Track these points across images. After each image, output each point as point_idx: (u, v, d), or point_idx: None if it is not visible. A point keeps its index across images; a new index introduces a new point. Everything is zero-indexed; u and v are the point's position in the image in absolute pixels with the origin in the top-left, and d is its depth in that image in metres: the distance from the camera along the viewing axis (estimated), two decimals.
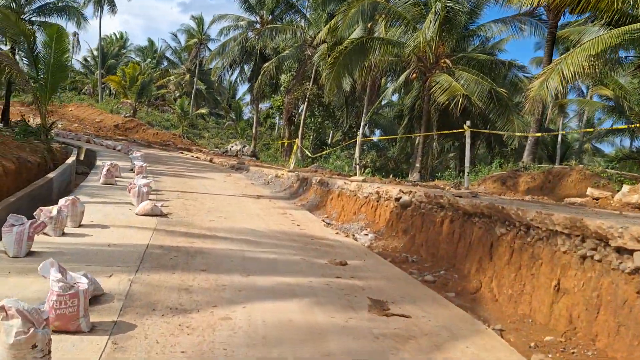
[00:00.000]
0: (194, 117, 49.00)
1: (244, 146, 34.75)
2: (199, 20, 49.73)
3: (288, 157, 31.22)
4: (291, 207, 11.33)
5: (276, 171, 16.28)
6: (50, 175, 11.65)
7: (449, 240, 6.74)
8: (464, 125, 9.67)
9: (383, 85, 27.60)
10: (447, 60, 19.57)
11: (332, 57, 20.39)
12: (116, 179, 11.72)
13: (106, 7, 50.86)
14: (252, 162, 25.47)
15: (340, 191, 10.66)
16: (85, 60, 70.32)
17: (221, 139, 46.62)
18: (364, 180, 10.56)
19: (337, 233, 8.52)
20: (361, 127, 24.97)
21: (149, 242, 6.30)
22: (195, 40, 49.79)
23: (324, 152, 28.28)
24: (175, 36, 54.49)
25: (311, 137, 31.78)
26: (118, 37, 73.24)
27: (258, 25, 32.83)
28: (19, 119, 30.47)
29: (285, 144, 30.28)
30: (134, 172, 13.96)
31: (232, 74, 33.92)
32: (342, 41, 22.12)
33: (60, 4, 28.72)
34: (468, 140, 9.06)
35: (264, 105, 46.04)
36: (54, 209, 6.14)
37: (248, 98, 66.30)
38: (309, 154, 19.04)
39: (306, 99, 28.23)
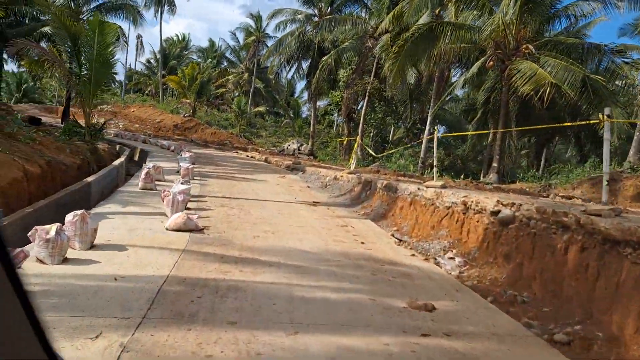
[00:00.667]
0: (251, 116, 48.41)
1: (301, 145, 33.40)
2: (257, 18, 49.04)
3: (347, 156, 29.54)
4: (352, 216, 9.63)
5: (335, 172, 14.63)
6: (89, 179, 10.61)
7: (579, 276, 4.77)
8: (600, 115, 7.50)
9: (450, 78, 25.26)
10: (530, 46, 17.09)
11: (396, 45, 18.46)
12: (157, 182, 10.51)
13: (166, 8, 51.47)
14: (309, 162, 24.01)
15: (413, 199, 8.83)
16: (149, 62, 72.10)
17: (278, 137, 45.65)
18: (443, 186, 8.67)
19: (412, 255, 6.73)
20: (427, 123, 22.81)
21: (170, 272, 4.81)
22: (254, 38, 49.14)
23: (386, 152, 26.35)
24: (234, 35, 54.34)
25: (371, 134, 29.84)
26: (180, 38, 74.72)
27: (316, 19, 31.31)
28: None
29: (345, 142, 28.61)
30: (180, 174, 12.82)
31: (289, 70, 32.69)
32: (408, 29, 20.13)
33: (117, 2, 28.55)
34: (607, 135, 6.91)
35: (322, 103, 44.65)
36: (52, 229, 4.79)
37: (306, 96, 65.44)
38: (372, 153, 17.25)
39: (366, 94, 26.37)
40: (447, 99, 30.66)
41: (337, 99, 30.78)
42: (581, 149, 21.35)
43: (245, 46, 51.65)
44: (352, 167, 13.03)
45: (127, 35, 31.69)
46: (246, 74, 54.14)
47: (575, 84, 14.82)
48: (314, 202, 10.88)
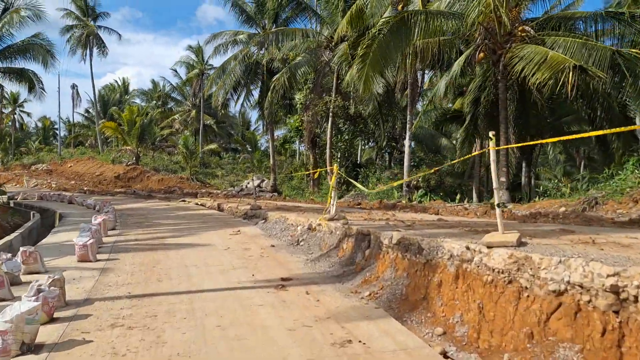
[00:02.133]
0: (204, 155, 43.96)
1: (262, 180, 29.23)
2: (198, 50, 45.17)
3: (317, 187, 25.50)
4: (353, 306, 5.50)
5: (307, 217, 10.52)
6: None
7: None
8: None
9: (422, 83, 21.85)
10: (527, 27, 13.75)
11: (361, 47, 14.79)
12: (30, 273, 6.09)
13: (96, 50, 47.00)
14: (272, 202, 19.81)
15: (464, 270, 4.82)
16: (87, 111, 66.75)
17: (237, 175, 41.33)
18: (521, 243, 4.69)
19: None
20: (407, 137, 19.16)
21: None
22: (196, 71, 45.14)
23: (360, 178, 22.47)
24: (176, 71, 50.00)
25: (339, 158, 26.00)
26: (119, 83, 69.89)
27: (261, 39, 27.64)
28: None
29: (316, 175, 24.66)
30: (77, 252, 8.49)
31: (237, 98, 28.70)
32: (368, 29, 16.60)
33: (22, 44, 24.01)
34: None
35: (280, 132, 40.81)
36: None
37: (262, 126, 61.40)
38: (353, 181, 13.31)
39: (329, 114, 22.63)
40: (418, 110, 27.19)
41: (297, 124, 26.90)
42: (606, 148, 18.01)
43: (188, 81, 47.51)
44: (333, 211, 8.92)
45: (42, 82, 26.90)
46: (193, 111, 49.92)
47: (604, 63, 11.37)
48: (282, 279, 6.70)
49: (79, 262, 8.22)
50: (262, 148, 57.94)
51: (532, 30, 13.62)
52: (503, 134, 14.54)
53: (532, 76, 12.19)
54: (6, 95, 72.14)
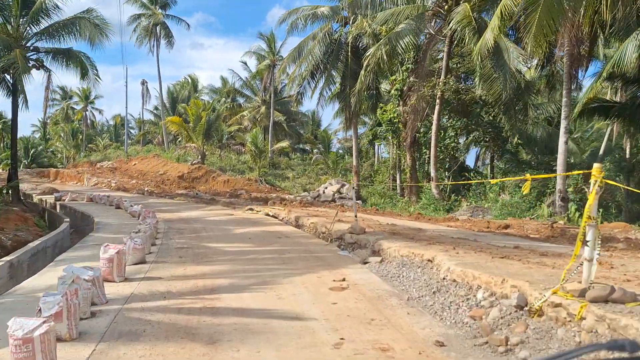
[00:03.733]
0: (273, 155, 39.81)
1: (342, 185, 24.32)
2: (270, 38, 41.08)
3: (413, 195, 20.16)
4: None
5: (493, 274, 5.34)
6: None
7: None
8: None
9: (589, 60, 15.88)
10: None
11: None
12: None
13: (164, 42, 44.31)
14: (371, 221, 14.74)
15: None
16: (156, 108, 65.09)
17: (309, 177, 36.74)
18: None
19: None
20: (563, 128, 13.47)
21: None
22: (267, 62, 41.07)
23: (470, 183, 16.92)
24: (245, 64, 46.34)
25: (446, 161, 20.37)
26: (189, 81, 67.89)
27: (345, 13, 22.75)
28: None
29: (409, 178, 19.40)
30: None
31: (315, 87, 24.00)
32: None
33: (68, 20, 20.56)
34: None
35: (360, 130, 35.72)
36: None
37: (335, 125, 56.33)
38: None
39: (437, 101, 17.29)
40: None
41: (391, 116, 21.67)
42: None
43: (258, 74, 43.55)
44: (588, 272, 3.53)
45: (95, 68, 23.63)
46: (263, 107, 45.98)
47: None
48: None
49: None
50: (334, 149, 53.22)
51: None
52: None
53: None
54: (65, 89, 72.64)
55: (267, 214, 16.00)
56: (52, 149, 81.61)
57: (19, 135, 79.67)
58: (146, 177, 38.04)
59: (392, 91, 20.52)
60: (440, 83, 17.17)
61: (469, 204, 16.06)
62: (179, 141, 53.02)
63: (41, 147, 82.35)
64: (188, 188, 32.22)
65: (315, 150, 57.10)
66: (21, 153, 77.20)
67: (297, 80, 23.07)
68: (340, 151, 49.07)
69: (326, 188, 24.31)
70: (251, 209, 17.27)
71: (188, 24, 44.76)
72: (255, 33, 62.87)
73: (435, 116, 17.68)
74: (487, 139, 19.85)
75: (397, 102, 20.64)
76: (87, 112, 72.49)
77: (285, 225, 13.35)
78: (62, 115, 76.02)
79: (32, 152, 79.33)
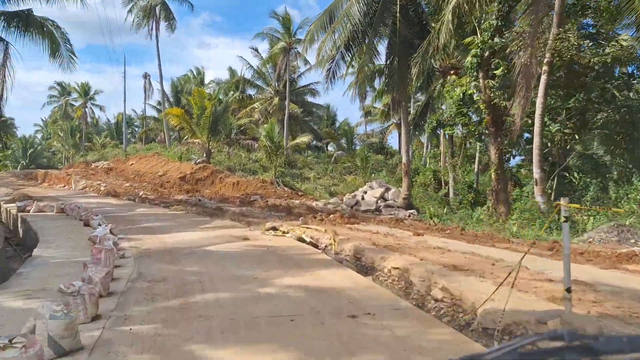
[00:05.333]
0: (288, 152, 34.28)
1: (387, 189, 18.75)
2: (285, 19, 35.55)
3: (503, 205, 14.52)
4: None
5: None
6: None
7: None
8: None
9: None
10: None
11: None
12: None
13: (164, 24, 38.98)
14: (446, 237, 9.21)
15: None
16: (159, 103, 59.74)
17: (333, 178, 31.18)
18: None
19: None
20: None
21: None
22: (282, 44, 35.53)
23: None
24: (256, 51, 40.74)
25: (550, 154, 14.47)
26: (195, 73, 62.48)
27: None
28: None
29: (494, 179, 13.83)
30: None
31: (350, 61, 18.46)
32: None
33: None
34: None
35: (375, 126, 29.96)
36: None
37: (352, 120, 49.81)
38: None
39: (544, 68, 11.72)
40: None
41: (467, 89, 15.92)
42: None
43: (271, 59, 38.03)
44: None
45: (69, 43, 18.50)
46: (276, 99, 40.48)
47: None
48: None
49: None
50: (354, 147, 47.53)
51: None
52: None
53: None
54: (63, 84, 67.40)
55: (301, 239, 10.48)
56: (53, 149, 76.96)
57: (19, 134, 74.44)
58: (143, 179, 32.76)
59: (469, 59, 14.84)
60: (551, 40, 11.56)
61: (612, 221, 10.48)
62: (185, 139, 47.56)
63: (40, 146, 77.79)
64: (190, 192, 26.86)
65: (329, 147, 51.43)
66: (19, 153, 72.72)
67: (327, 51, 17.52)
68: (366, 149, 43.25)
69: (365, 193, 18.75)
70: (274, 228, 11.75)
71: (192, 4, 39.36)
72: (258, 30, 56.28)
73: (540, 90, 12.10)
74: (617, 126, 13.85)
75: (475, 73, 14.99)
76: (86, 109, 67.32)
77: (339, 269, 7.75)
78: (60, 112, 71.22)
79: (30, 152, 74.63)
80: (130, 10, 38.00)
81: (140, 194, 25.36)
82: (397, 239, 9.54)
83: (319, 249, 9.81)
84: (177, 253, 8.96)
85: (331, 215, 13.94)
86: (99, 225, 11.80)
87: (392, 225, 12.88)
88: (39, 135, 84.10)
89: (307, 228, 11.32)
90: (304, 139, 32.80)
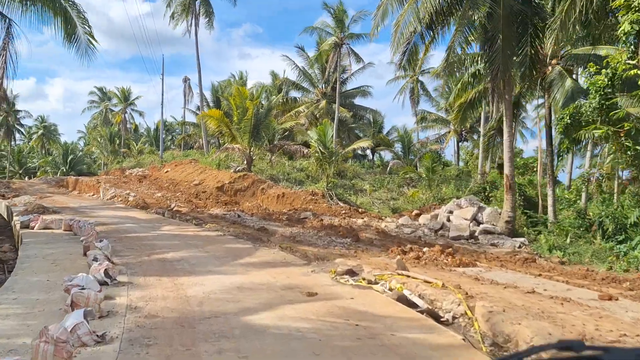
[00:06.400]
0: (339, 160, 30.22)
1: (479, 208, 14.36)
2: (338, 11, 31.68)
3: None
4: None
5: None
6: None
7: None
8: None
9: None
10: None
11: None
12: None
13: (203, 20, 35.95)
14: None
15: None
16: (199, 108, 57.03)
17: (390, 191, 26.89)
18: None
19: None
20: None
21: None
22: (334, 39, 31.67)
23: None
24: (302, 50, 37.01)
25: None
26: (237, 77, 59.60)
27: None
28: None
29: None
30: None
31: (431, 41, 14.36)
32: None
33: None
34: None
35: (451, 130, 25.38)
36: None
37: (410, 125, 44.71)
38: None
39: None
40: None
41: (624, 68, 11.38)
42: None
43: (320, 56, 34.19)
44: None
45: (89, 25, 15.30)
46: (323, 102, 36.63)
47: None
48: None
49: None
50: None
51: None
52: None
53: None
54: (104, 90, 65.68)
55: (403, 298, 6.34)
56: (94, 155, 75.91)
57: (62, 141, 73.35)
58: (177, 188, 29.49)
59: (623, 26, 10.35)
60: None
61: None
62: (224, 145, 44.22)
63: (81, 153, 76.87)
64: (228, 204, 23.23)
65: (376, 156, 47.03)
66: (60, 159, 71.81)
67: (405, 31, 13.44)
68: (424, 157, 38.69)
69: (451, 213, 14.41)
70: (351, 273, 7.65)
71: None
72: (301, 40, 52.16)
73: None
74: None
75: (634, 46, 10.50)
76: (126, 115, 65.50)
77: None
78: (100, 118, 69.94)
79: (70, 158, 73.65)
80: (168, 5, 35.17)
81: (172, 206, 21.89)
82: (575, 306, 5.28)
83: (441, 321, 5.67)
84: (201, 331, 4.99)
85: (425, 249, 9.70)
86: (94, 260, 8.04)
87: (524, 268, 8.55)
88: (82, 142, 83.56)
89: (407, 276, 7.16)
90: (362, 143, 28.63)
